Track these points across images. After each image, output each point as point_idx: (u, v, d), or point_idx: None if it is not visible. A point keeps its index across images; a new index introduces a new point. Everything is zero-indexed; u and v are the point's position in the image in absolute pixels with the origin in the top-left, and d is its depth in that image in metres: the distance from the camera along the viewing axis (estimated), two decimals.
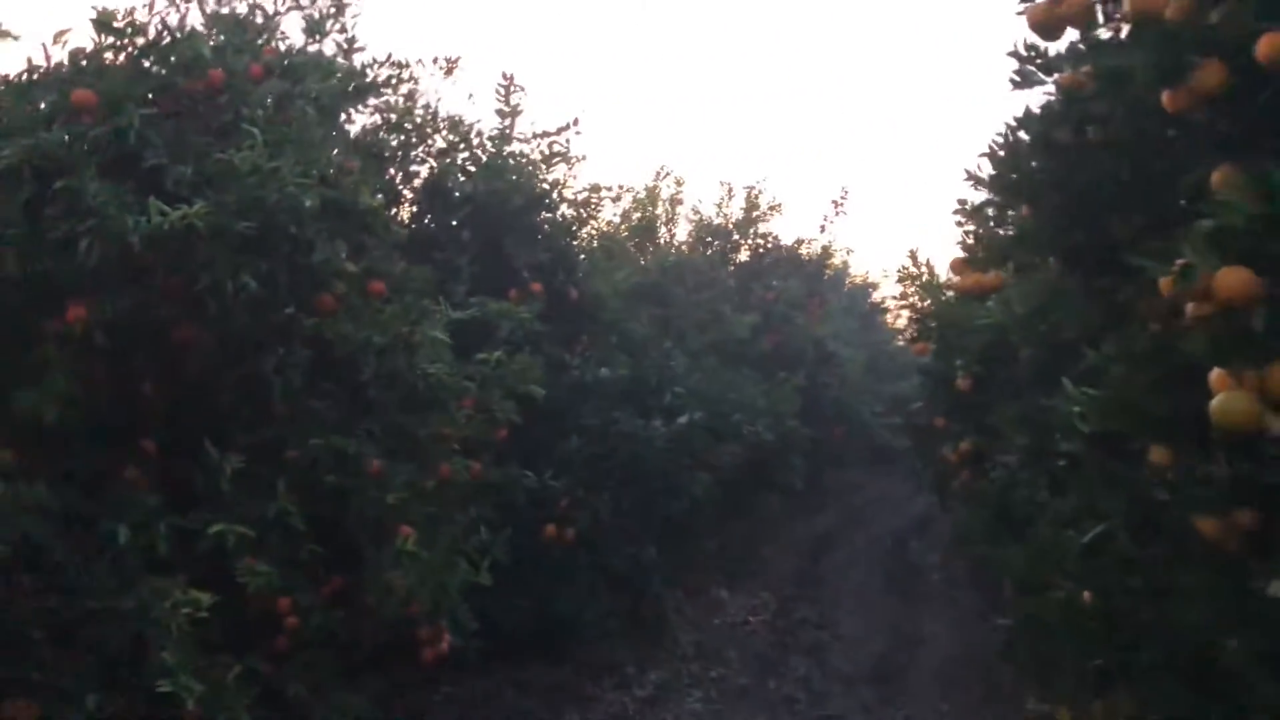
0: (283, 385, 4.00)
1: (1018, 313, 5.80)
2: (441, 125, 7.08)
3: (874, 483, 16.83)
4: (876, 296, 21.04)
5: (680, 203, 13.22)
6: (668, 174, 12.75)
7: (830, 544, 12.61)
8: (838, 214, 14.91)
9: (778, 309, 13.12)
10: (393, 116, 6.21)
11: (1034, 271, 3.71)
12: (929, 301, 10.54)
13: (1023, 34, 3.24)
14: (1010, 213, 3.63)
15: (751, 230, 13.74)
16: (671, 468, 6.89)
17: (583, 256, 7.98)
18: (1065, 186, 3.03)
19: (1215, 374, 1.85)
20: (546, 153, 7.51)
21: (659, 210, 11.65)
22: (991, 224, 4.38)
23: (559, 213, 7.71)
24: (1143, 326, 3.00)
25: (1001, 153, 3.76)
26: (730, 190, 13.70)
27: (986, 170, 3.92)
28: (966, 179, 4.08)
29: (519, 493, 5.20)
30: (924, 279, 10.41)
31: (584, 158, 7.72)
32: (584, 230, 8.33)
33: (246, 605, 3.68)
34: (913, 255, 10.97)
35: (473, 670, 5.89)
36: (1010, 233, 3.58)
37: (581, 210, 8.08)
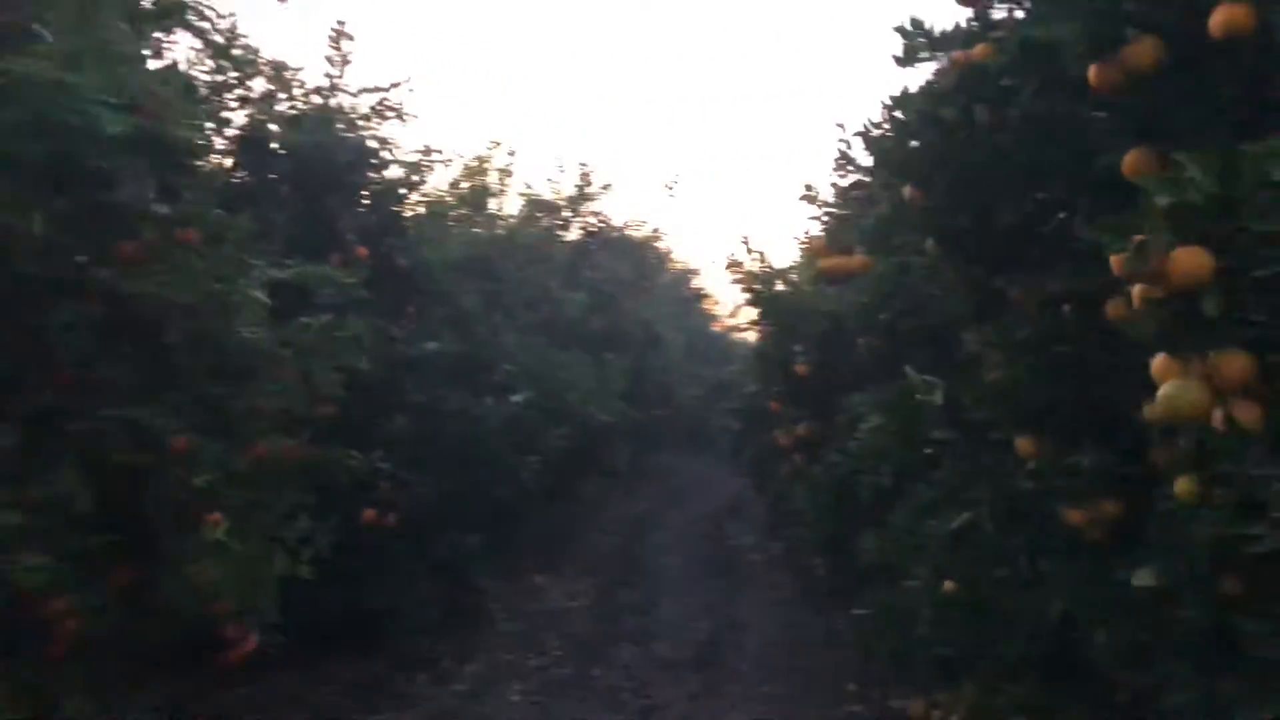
0: (70, 346, 3.41)
1: (860, 301, 5.85)
2: (263, 68, 6.45)
3: (691, 465, 17.00)
4: (696, 281, 21.26)
5: (511, 175, 12.81)
6: (500, 145, 12.32)
7: (649, 527, 12.57)
8: (669, 197, 14.88)
9: (606, 289, 12.95)
10: (210, 51, 5.57)
11: (906, 255, 3.62)
12: (762, 287, 10.60)
13: (905, 13, 3.14)
14: (886, 193, 3.51)
15: (583, 208, 13.50)
16: (503, 450, 6.55)
17: (411, 223, 7.51)
18: (953, 167, 2.92)
19: (1159, 361, 1.73)
20: (380, 108, 6.99)
21: (489, 181, 11.21)
22: (858, 206, 4.29)
23: (388, 174, 7.20)
24: (1023, 315, 2.94)
25: (877, 132, 3.66)
26: (564, 166, 13.40)
27: (860, 151, 3.82)
28: (838, 160, 3.95)
29: (343, 475, 4.75)
30: (758, 265, 10.44)
31: (417, 116, 7.23)
32: (414, 195, 7.83)
33: (18, 605, 3.10)
34: (745, 241, 10.97)
35: (277, 668, 5.39)
36: (882, 214, 3.45)
37: (412, 173, 7.59)
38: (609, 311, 12.46)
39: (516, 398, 6.45)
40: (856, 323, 5.77)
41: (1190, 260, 1.59)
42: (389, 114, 7.02)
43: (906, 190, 3.12)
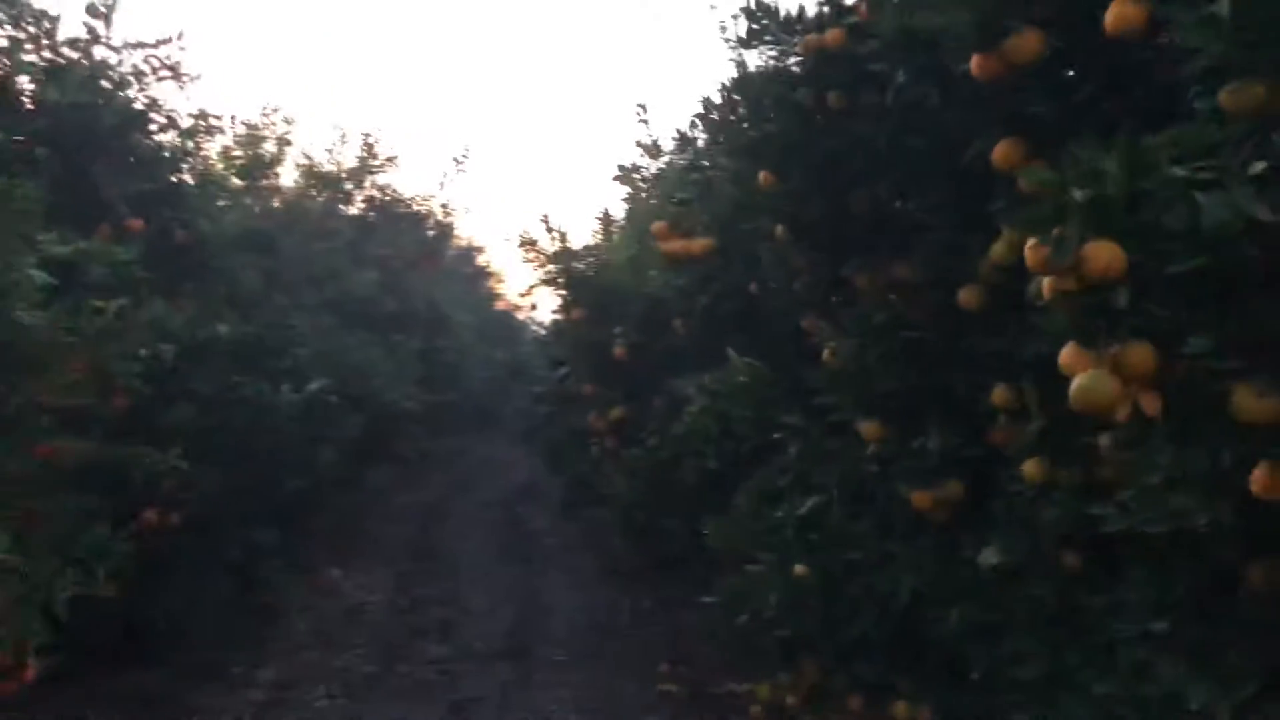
0: None
1: (678, 285, 5.84)
2: (9, 14, 5.67)
3: (481, 449, 16.69)
4: (482, 259, 20.86)
5: (290, 144, 12.04)
6: (278, 111, 11.52)
7: (442, 513, 12.23)
8: (458, 172, 14.45)
9: (393, 267, 12.44)
10: None
11: (752, 240, 3.59)
12: (562, 265, 10.46)
13: None
14: (729, 177, 3.47)
15: (368, 181, 12.88)
16: (296, 440, 6.12)
17: (191, 192, 6.86)
18: (808, 153, 2.90)
19: (1069, 352, 1.75)
20: (153, 65, 6.31)
21: (267, 150, 10.47)
22: (696, 188, 4.23)
23: (163, 138, 6.53)
24: (878, 302, 2.97)
25: (716, 115, 3.61)
26: (344, 135, 12.71)
27: (699, 131, 3.76)
28: (676, 139, 3.88)
29: (137, 475, 4.25)
30: (557, 244, 10.31)
31: (197, 76, 6.58)
32: (191, 163, 7.16)
33: None
34: (545, 219, 10.80)
35: (50, 688, 4.79)
36: (727, 198, 3.41)
37: (189, 139, 6.92)
38: (397, 291, 11.99)
39: (314, 385, 6.03)
40: (676, 306, 5.77)
41: (1104, 254, 1.61)
42: (163, 73, 6.36)
43: (762, 175, 3.08)
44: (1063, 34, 2.12)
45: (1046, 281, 1.70)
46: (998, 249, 2.62)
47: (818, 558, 3.15)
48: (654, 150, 11.13)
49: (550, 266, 11.54)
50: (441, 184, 15.01)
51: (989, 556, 2.89)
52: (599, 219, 13.25)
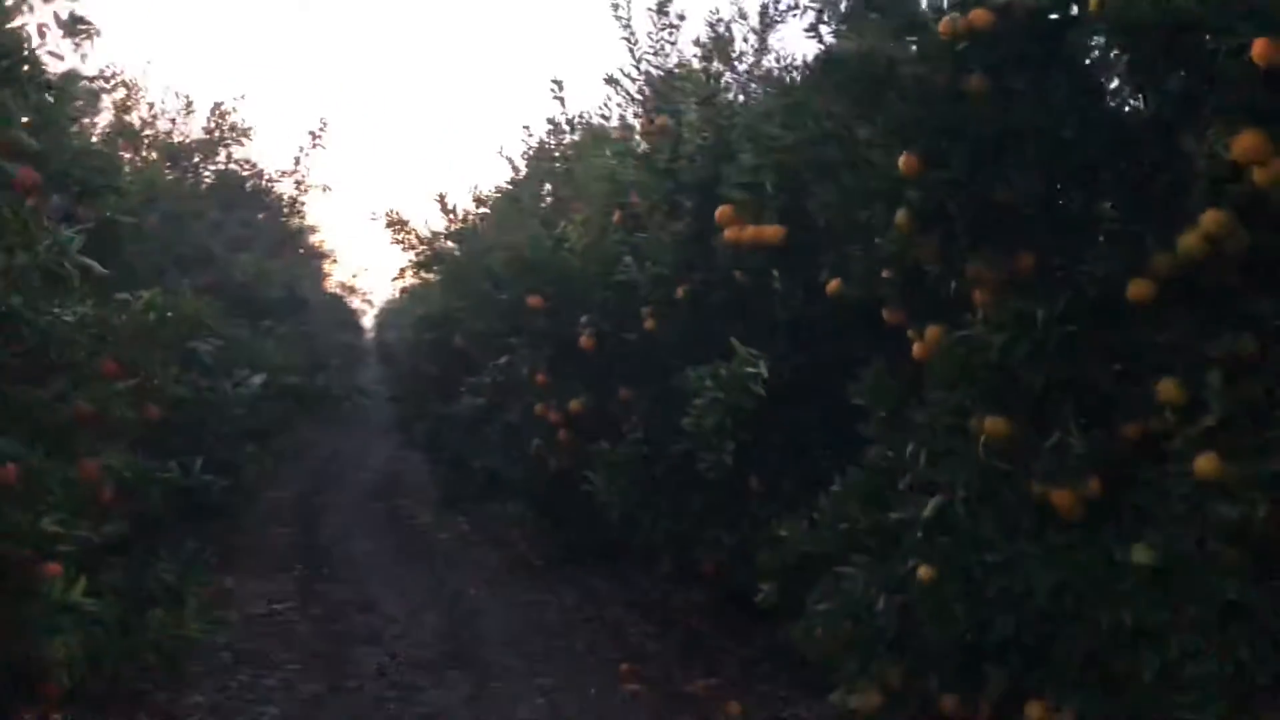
0: None
1: (656, 271, 5.61)
2: None
3: (341, 440, 15.84)
4: (316, 239, 19.75)
5: (132, 109, 10.93)
6: (117, 76, 10.39)
7: (319, 510, 11.51)
8: (315, 147, 13.56)
9: (255, 249, 11.57)
10: None
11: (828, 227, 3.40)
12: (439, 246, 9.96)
13: None
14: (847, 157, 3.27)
15: (223, 153, 11.88)
16: (235, 440, 5.52)
17: None
18: (972, 137, 2.77)
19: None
20: None
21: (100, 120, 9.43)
22: (766, 172, 4.00)
23: None
24: (1039, 293, 2.86)
25: (791, 96, 3.43)
26: (190, 104, 11.65)
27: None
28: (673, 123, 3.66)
29: (155, 495, 3.64)
30: (451, 224, 9.85)
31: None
32: None
33: None
34: (442, 199, 10.28)
35: None
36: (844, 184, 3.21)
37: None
38: (266, 274, 11.14)
39: (256, 379, 5.43)
40: (651, 294, 5.53)
41: None
42: None
43: (903, 159, 2.92)
44: None
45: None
46: (1190, 241, 2.57)
47: (947, 560, 3.04)
48: (565, 128, 10.78)
49: (426, 249, 11.00)
50: (297, 160, 14.01)
51: (1141, 555, 2.85)
52: (478, 200, 12.81)
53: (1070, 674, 2.95)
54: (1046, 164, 2.76)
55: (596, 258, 6.01)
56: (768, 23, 10.51)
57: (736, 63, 10.06)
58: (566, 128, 10.14)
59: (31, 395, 2.51)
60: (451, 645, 6.80)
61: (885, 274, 3.47)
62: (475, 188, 12.53)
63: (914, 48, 3.05)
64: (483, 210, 11.87)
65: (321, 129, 14.06)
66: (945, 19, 2.93)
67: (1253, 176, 2.33)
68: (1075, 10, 2.77)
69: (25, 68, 4.33)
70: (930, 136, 2.85)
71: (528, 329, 6.49)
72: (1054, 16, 2.87)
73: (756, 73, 10.21)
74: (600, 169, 6.88)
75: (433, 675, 6.22)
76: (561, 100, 9.65)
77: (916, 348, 3.47)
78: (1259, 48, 2.14)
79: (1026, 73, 2.81)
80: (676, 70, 8.04)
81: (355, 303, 23.16)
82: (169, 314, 3.27)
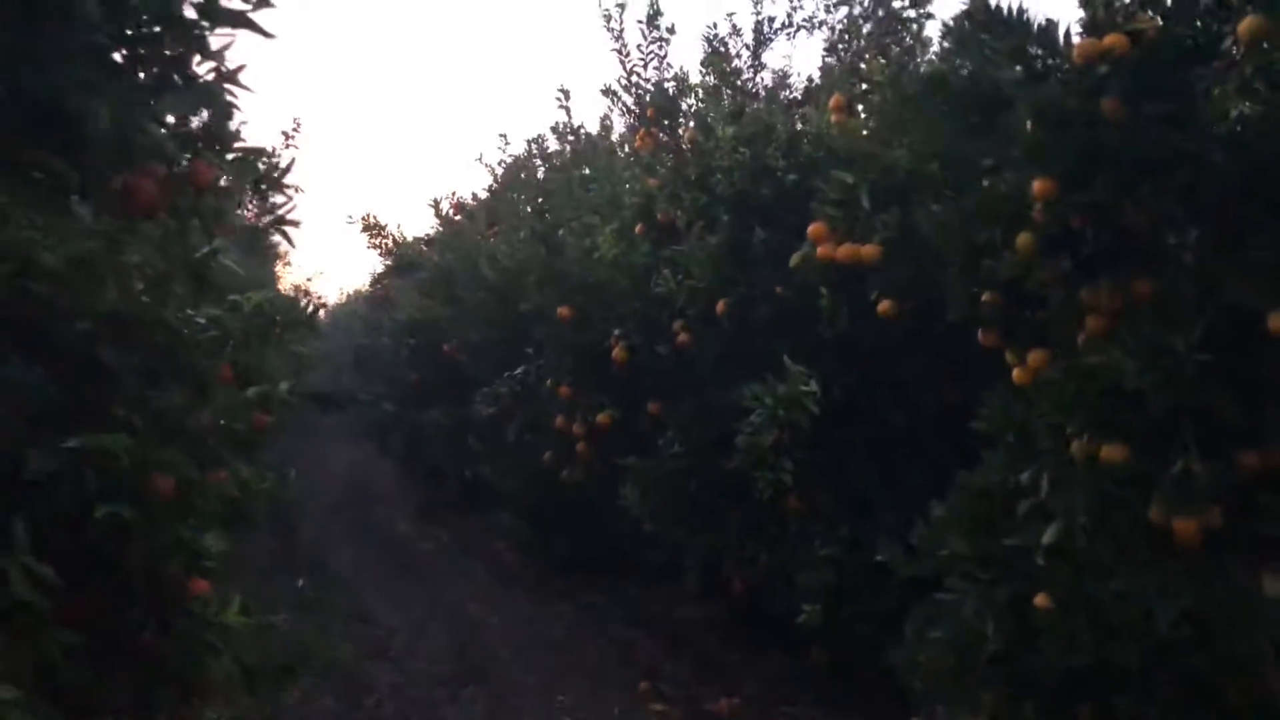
0: None
1: (693, 285, 5.54)
2: None
3: (311, 446, 15.43)
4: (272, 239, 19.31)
5: None
6: None
7: (294, 519, 11.15)
8: (288, 146, 13.24)
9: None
10: None
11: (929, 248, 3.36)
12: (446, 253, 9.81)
13: None
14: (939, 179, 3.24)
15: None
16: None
17: None
18: (1117, 162, 2.75)
19: None
20: None
21: None
22: (859, 189, 3.94)
23: None
24: (1170, 319, 2.85)
25: (906, 114, 3.38)
26: None
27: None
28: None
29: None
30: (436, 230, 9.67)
31: None
32: None
33: None
34: (436, 204, 10.09)
35: None
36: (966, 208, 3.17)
37: None
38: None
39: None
40: (690, 308, 5.46)
41: None
42: None
43: (1037, 184, 2.89)
44: None
45: None
46: None
47: (1070, 589, 3.00)
48: (568, 137, 10.65)
49: (404, 253, 10.78)
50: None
51: (1272, 585, 2.85)
52: (456, 207, 12.59)
53: (1183, 702, 2.94)
54: (1188, 191, 2.75)
55: (626, 269, 5.91)
56: (761, 40, 10.56)
57: (732, 77, 10.08)
58: (571, 137, 10.02)
59: (171, 403, 2.35)
60: (461, 661, 6.63)
61: (987, 297, 3.43)
62: (454, 195, 12.28)
63: (1035, 72, 3.02)
64: (466, 217, 11.68)
65: (295, 129, 13.74)
66: (1081, 43, 2.91)
67: None
68: (1225, 40, 2.78)
69: None
70: (1068, 160, 2.82)
71: (552, 339, 6.36)
72: (1188, 45, 2.87)
73: (751, 88, 10.24)
74: (622, 180, 6.80)
75: (449, 691, 6.07)
76: (568, 110, 9.53)
77: (1017, 372, 3.44)
78: None
79: (1165, 99, 2.80)
80: (692, 84, 7.98)
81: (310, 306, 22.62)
82: (278, 317, 3.11)
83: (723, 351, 5.37)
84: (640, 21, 10.03)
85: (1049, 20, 3.08)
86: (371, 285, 13.76)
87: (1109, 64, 2.84)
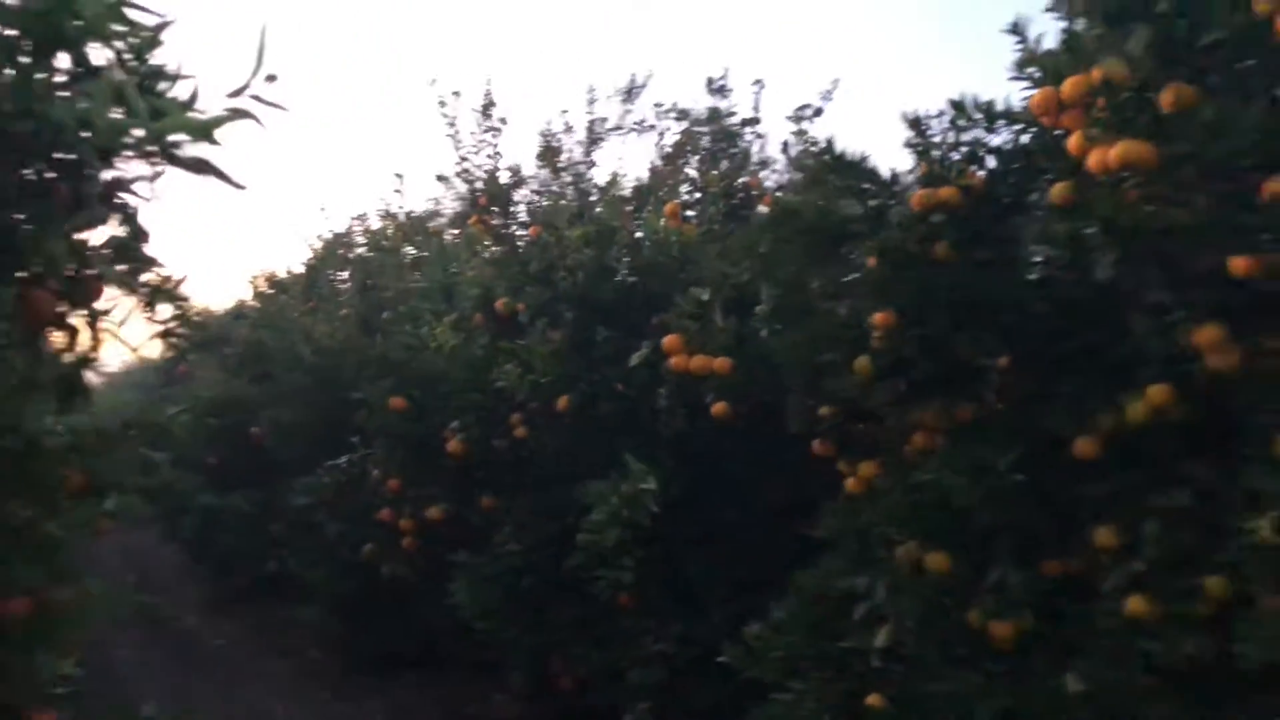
0: None
1: (532, 379, 5.61)
2: None
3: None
4: None
5: None
6: None
7: None
8: None
9: None
10: None
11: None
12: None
13: None
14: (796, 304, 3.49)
15: None
16: None
17: None
18: (947, 300, 3.07)
19: None
20: None
21: None
22: (710, 306, 4.14)
23: None
24: (999, 440, 3.16)
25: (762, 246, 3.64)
26: None
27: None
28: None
29: None
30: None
31: None
32: None
33: None
34: (254, 280, 9.73)
35: None
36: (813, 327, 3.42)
37: None
38: None
39: None
40: (532, 403, 5.52)
41: None
42: None
43: (879, 316, 3.18)
44: None
45: None
46: (1138, 409, 2.96)
47: (900, 689, 3.22)
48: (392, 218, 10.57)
49: (206, 328, 10.34)
50: None
51: (1074, 683, 3.16)
52: (269, 280, 12.19)
53: None
54: (1008, 329, 3.11)
55: (464, 361, 5.92)
56: (594, 138, 10.96)
57: (564, 174, 10.39)
58: (399, 217, 9.98)
59: (21, 517, 2.17)
60: None
61: (825, 411, 3.70)
62: (269, 271, 11.89)
63: (876, 213, 3.35)
64: (282, 291, 11.34)
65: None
66: (919, 192, 3.25)
67: (1208, 360, 2.75)
68: (1036, 196, 3.18)
69: None
70: (905, 296, 3.12)
71: (381, 430, 6.24)
72: (1007, 201, 3.27)
73: (581, 185, 10.57)
74: (456, 267, 6.85)
75: None
76: (400, 193, 9.52)
77: (851, 481, 3.72)
78: (1238, 263, 2.56)
79: (989, 247, 3.16)
80: (526, 176, 8.18)
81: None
82: (135, 423, 2.93)
83: (564, 447, 5.44)
84: (476, 110, 10.22)
85: (892, 170, 3.44)
86: (162, 356, 12.95)
87: (942, 212, 3.19)
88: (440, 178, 9.69)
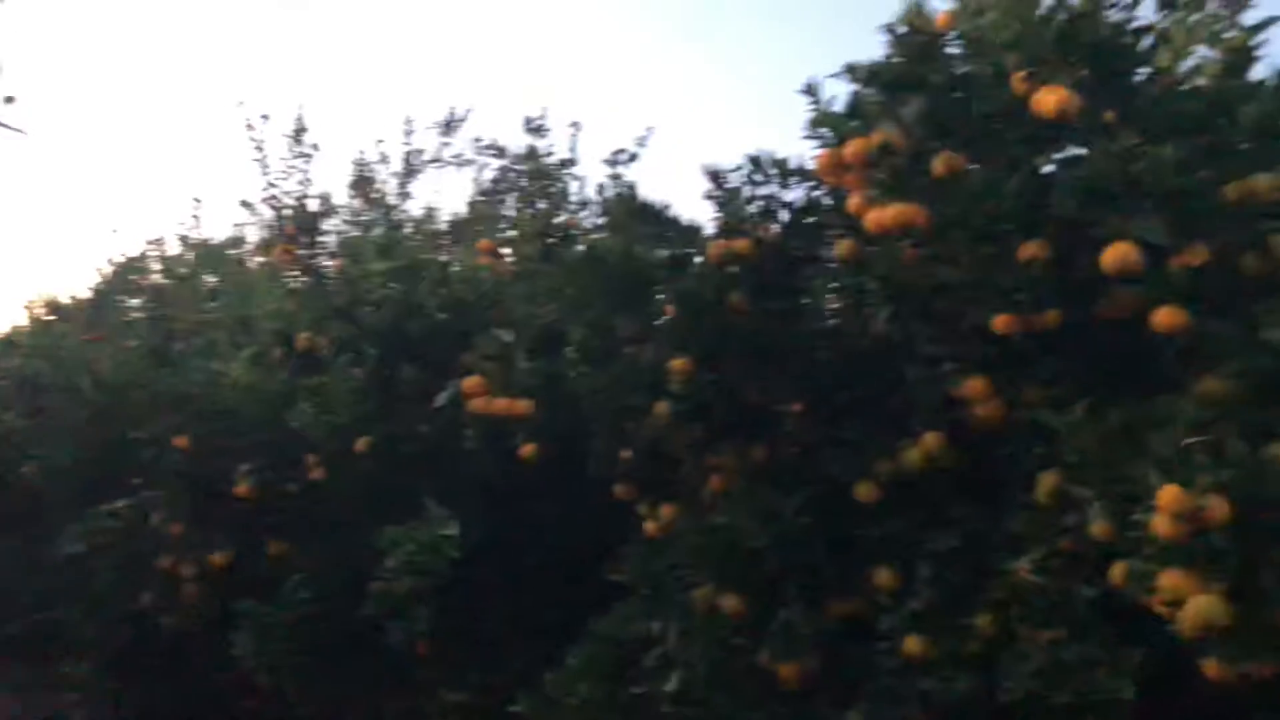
0: None
1: (328, 420, 5.42)
2: None
3: None
4: None
5: None
6: None
7: None
8: None
9: None
10: None
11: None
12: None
13: None
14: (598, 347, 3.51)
15: None
16: None
17: None
18: (741, 347, 3.15)
19: (1174, 577, 2.27)
20: None
21: None
22: (519, 348, 4.06)
23: None
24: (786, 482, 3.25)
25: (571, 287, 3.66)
26: None
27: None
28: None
29: None
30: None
31: None
32: None
33: None
34: (30, 306, 8.99)
35: None
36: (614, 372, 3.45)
37: None
38: None
39: None
40: (331, 443, 5.30)
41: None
42: None
43: (678, 362, 3.23)
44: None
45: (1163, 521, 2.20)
46: (914, 455, 3.12)
47: None
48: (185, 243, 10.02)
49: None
50: None
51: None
52: (53, 306, 11.34)
53: None
54: (801, 377, 3.21)
55: (260, 397, 5.64)
56: (410, 170, 10.76)
57: (378, 205, 10.14)
58: (198, 243, 9.48)
59: None
60: None
61: (626, 454, 3.72)
62: (48, 296, 11.01)
63: (676, 260, 3.42)
64: (62, 318, 10.53)
65: None
66: (716, 244, 3.34)
67: (974, 410, 2.92)
68: (825, 251, 3.32)
69: None
70: (702, 343, 3.19)
71: (164, 470, 5.84)
72: (798, 254, 3.40)
73: (394, 217, 10.34)
74: (256, 298, 6.55)
75: None
76: (197, 218, 9.07)
77: (650, 525, 3.75)
78: (1000, 320, 2.75)
79: (780, 298, 3.28)
80: (336, 205, 7.94)
81: None
82: None
83: (362, 491, 5.24)
84: (286, 135, 9.86)
85: (692, 220, 3.52)
86: None
87: (738, 263, 3.29)
88: (244, 204, 9.27)
